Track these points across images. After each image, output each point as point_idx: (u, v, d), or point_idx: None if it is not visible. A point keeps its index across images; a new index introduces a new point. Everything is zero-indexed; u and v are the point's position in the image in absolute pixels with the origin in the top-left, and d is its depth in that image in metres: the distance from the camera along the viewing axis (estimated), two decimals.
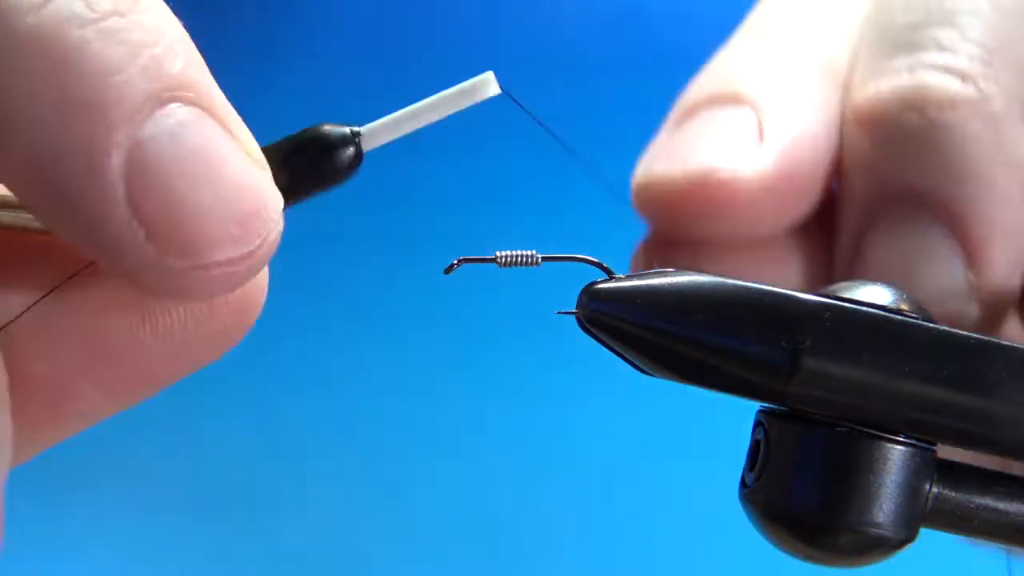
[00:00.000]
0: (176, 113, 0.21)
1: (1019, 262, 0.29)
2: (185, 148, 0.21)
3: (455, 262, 0.27)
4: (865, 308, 0.24)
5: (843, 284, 0.25)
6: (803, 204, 0.30)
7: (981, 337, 0.25)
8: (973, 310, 0.28)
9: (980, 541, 0.26)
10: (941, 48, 0.28)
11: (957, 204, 0.27)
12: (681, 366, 0.25)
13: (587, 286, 0.26)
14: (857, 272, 0.29)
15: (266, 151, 0.23)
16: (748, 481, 0.26)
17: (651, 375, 0.25)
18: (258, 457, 0.77)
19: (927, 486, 0.25)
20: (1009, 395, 0.24)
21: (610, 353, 0.26)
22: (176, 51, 0.21)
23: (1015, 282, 0.29)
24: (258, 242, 0.22)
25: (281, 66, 1.05)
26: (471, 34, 1.02)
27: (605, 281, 0.25)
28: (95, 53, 0.20)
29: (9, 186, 0.22)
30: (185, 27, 0.22)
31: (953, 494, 0.25)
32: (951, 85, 0.27)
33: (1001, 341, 0.25)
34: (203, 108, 0.21)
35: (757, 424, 0.26)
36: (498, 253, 0.26)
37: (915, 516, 0.25)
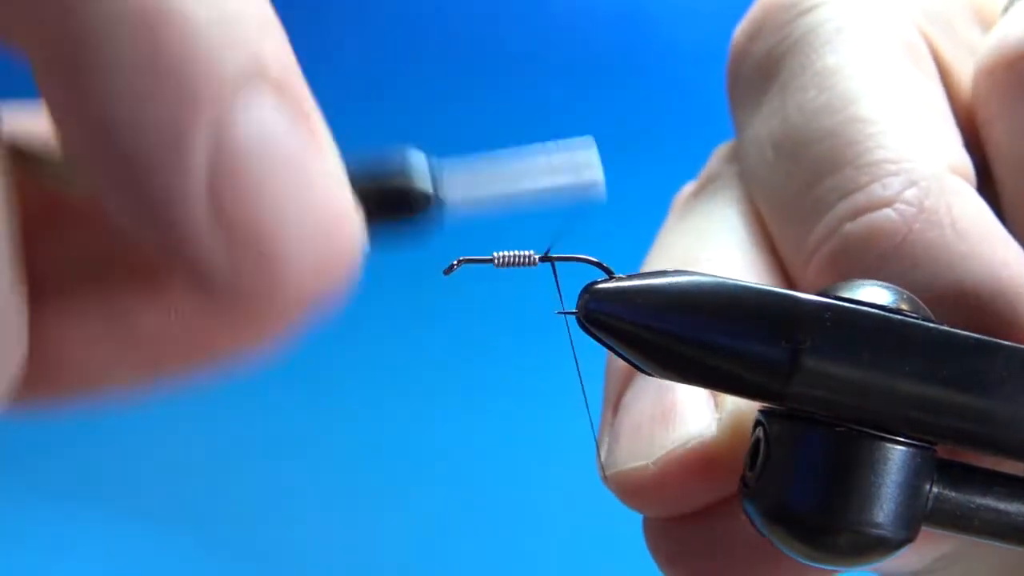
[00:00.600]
0: (269, 109, 0.19)
1: None
2: (276, 151, 0.19)
3: (455, 263, 0.27)
4: (865, 308, 0.24)
5: (843, 284, 0.25)
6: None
7: (981, 337, 0.25)
8: None
9: (980, 541, 0.26)
10: None
11: None
12: (681, 366, 0.25)
13: (587, 286, 0.26)
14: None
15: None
16: (748, 481, 0.26)
17: (651, 375, 0.25)
18: (258, 458, 0.77)
19: (927, 486, 0.25)
20: (1009, 395, 0.24)
21: (610, 353, 0.26)
22: (271, 31, 0.19)
23: None
24: (338, 269, 0.20)
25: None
26: (471, 33, 1.02)
27: (605, 281, 0.25)
28: (193, 14, 0.18)
29: (76, 147, 0.19)
30: None
31: (953, 494, 0.25)
32: None
33: (1001, 341, 0.25)
34: (297, 111, 0.19)
35: (757, 424, 0.26)
36: (497, 254, 0.26)
37: (915, 516, 0.25)
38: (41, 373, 0.21)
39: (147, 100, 0.18)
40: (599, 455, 0.29)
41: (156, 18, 0.18)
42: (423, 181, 0.22)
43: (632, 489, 0.27)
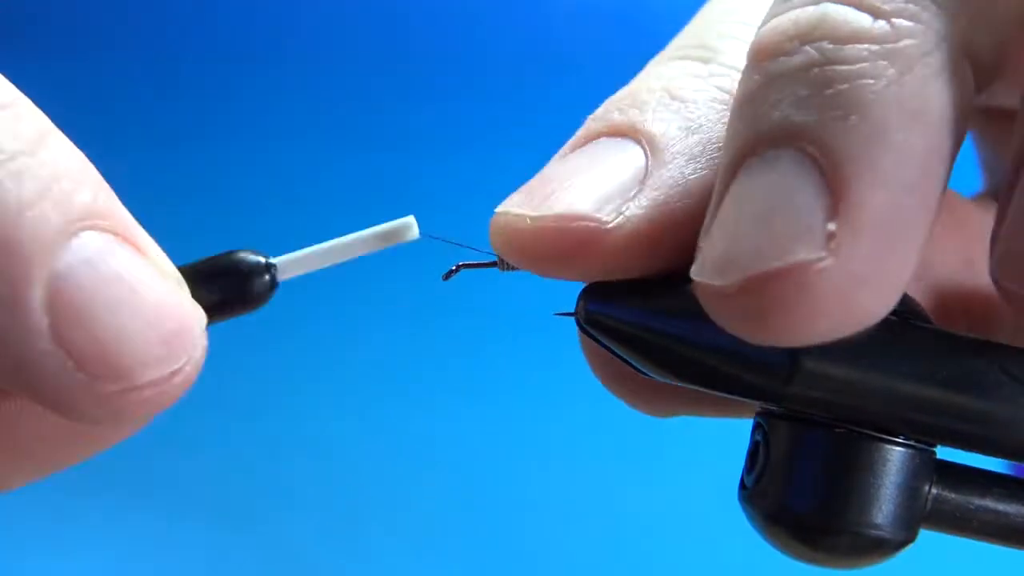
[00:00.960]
0: (90, 241, 0.22)
1: (892, 238, 0.22)
2: (103, 274, 0.22)
3: (454, 268, 0.27)
4: None
5: None
6: (682, 249, 0.25)
7: (980, 338, 0.25)
8: (816, 273, 0.21)
9: (980, 542, 0.26)
10: None
11: (833, 142, 0.22)
12: (680, 367, 0.25)
13: (586, 287, 0.26)
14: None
15: (183, 271, 0.24)
16: (747, 483, 0.26)
17: (650, 376, 0.25)
18: (258, 459, 0.77)
19: (926, 487, 0.25)
20: (1008, 396, 0.24)
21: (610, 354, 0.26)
22: (84, 182, 0.22)
23: (874, 263, 0.22)
24: (185, 359, 0.23)
25: (276, 62, 1.05)
26: (468, 33, 1.02)
27: (604, 282, 0.25)
28: (7, 192, 0.21)
29: None
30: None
31: (952, 495, 0.25)
32: (858, 19, 0.22)
33: (1000, 342, 0.25)
34: (116, 234, 0.22)
35: (756, 426, 0.26)
36: (500, 257, 0.26)
37: (914, 517, 0.25)
38: None
39: None
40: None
41: None
42: (252, 255, 0.25)
43: (500, 231, 0.26)
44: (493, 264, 0.26)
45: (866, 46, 0.22)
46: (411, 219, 0.26)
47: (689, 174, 0.25)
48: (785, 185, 0.21)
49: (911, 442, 0.25)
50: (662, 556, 0.71)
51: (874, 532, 0.24)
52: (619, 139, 0.26)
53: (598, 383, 0.29)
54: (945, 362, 0.24)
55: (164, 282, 0.23)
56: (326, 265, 0.26)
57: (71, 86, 0.92)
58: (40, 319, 0.21)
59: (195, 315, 0.23)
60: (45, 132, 0.22)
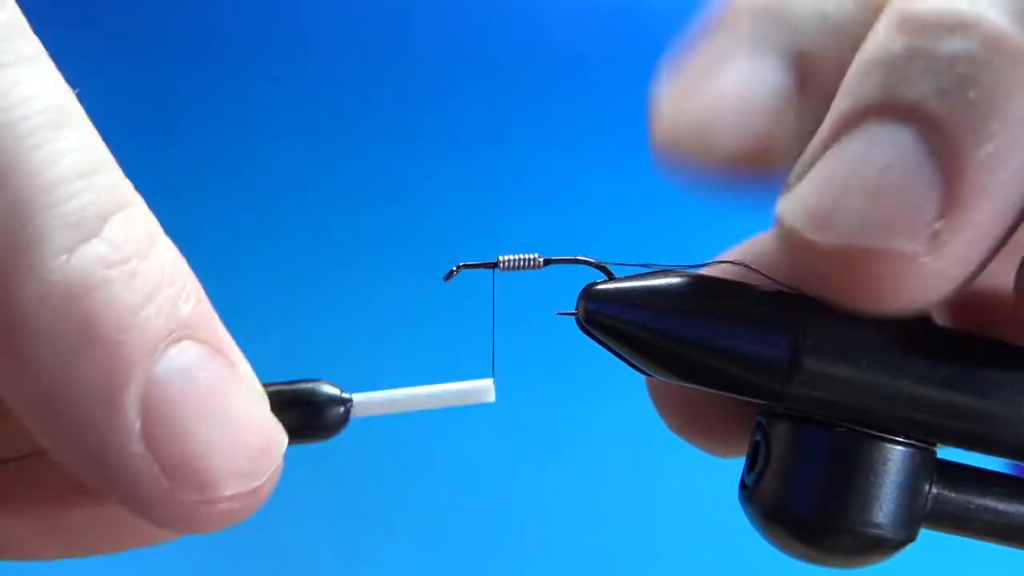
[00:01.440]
0: (188, 351, 0.22)
1: (984, 247, 0.22)
2: (198, 385, 0.22)
3: (455, 268, 0.27)
4: None
5: None
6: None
7: (980, 337, 0.25)
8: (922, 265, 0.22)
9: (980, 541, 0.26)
10: None
11: (964, 145, 0.21)
12: (680, 367, 0.25)
13: (586, 287, 0.26)
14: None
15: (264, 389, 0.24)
16: (748, 482, 0.26)
17: (650, 375, 0.25)
18: None
19: (927, 487, 0.25)
20: (1009, 396, 0.24)
21: (609, 354, 0.26)
22: (188, 292, 0.22)
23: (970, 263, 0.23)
24: (265, 477, 0.23)
25: (276, 62, 1.05)
26: (469, 32, 1.02)
27: (604, 282, 0.25)
28: (117, 294, 0.21)
29: (16, 407, 0.22)
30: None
31: (953, 495, 0.25)
32: (1021, 37, 0.22)
33: (1000, 341, 0.25)
34: (212, 347, 0.22)
35: (756, 425, 0.26)
36: (502, 258, 0.26)
37: (915, 517, 0.25)
38: None
39: (77, 372, 0.21)
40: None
41: (88, 297, 0.21)
42: (332, 389, 0.26)
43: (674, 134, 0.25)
44: (493, 264, 0.26)
45: (1021, 67, 0.22)
46: (489, 382, 0.27)
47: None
48: (906, 167, 0.22)
49: (911, 441, 0.25)
50: (662, 555, 0.71)
51: (874, 531, 0.24)
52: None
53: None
54: (946, 361, 0.24)
55: (252, 398, 0.23)
56: (399, 411, 0.26)
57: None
58: (133, 420, 0.21)
59: (279, 434, 0.24)
60: (155, 235, 0.22)
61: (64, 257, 0.21)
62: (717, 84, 0.25)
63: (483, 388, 0.27)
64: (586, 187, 0.85)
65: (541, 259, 0.26)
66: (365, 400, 0.26)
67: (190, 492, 0.22)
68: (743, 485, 0.26)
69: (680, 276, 0.25)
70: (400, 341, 0.84)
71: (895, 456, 0.24)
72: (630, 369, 0.26)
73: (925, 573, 0.50)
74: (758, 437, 0.25)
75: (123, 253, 0.21)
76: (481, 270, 0.27)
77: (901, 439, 0.24)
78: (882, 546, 0.25)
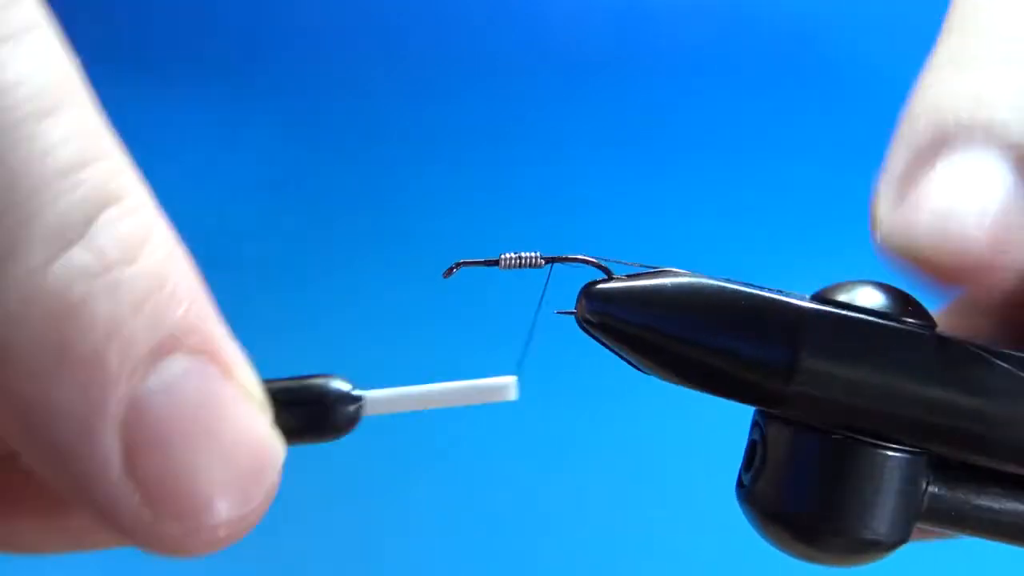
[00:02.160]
0: (175, 365, 0.20)
1: None
2: (185, 404, 0.20)
3: (454, 265, 0.27)
4: (865, 316, 0.24)
5: (841, 284, 0.25)
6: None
7: (979, 343, 0.25)
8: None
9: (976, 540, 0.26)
10: None
11: None
12: (679, 367, 0.25)
13: (586, 286, 0.26)
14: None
15: (267, 385, 0.23)
16: (745, 480, 0.26)
17: (650, 375, 0.25)
18: None
19: (923, 487, 0.25)
20: (1008, 403, 0.24)
21: (609, 353, 0.26)
22: (179, 295, 0.20)
23: None
24: (259, 500, 0.21)
25: (275, 62, 1.05)
26: (470, 32, 1.02)
27: (604, 281, 0.25)
28: (97, 309, 0.19)
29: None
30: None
31: (949, 494, 0.25)
32: None
33: (999, 347, 0.25)
34: (206, 354, 0.21)
35: (754, 424, 0.26)
36: (503, 256, 0.26)
37: (911, 517, 0.25)
38: None
39: (52, 396, 0.19)
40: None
41: (67, 313, 0.19)
42: (343, 384, 0.24)
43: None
44: (493, 262, 0.26)
45: None
46: (512, 380, 0.25)
47: None
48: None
49: (908, 448, 0.25)
50: (662, 554, 0.71)
51: (871, 532, 0.24)
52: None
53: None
54: (945, 368, 0.24)
55: (248, 410, 0.21)
56: (414, 409, 0.24)
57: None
58: (110, 447, 0.20)
59: (275, 451, 0.22)
60: (148, 231, 0.20)
61: (42, 272, 0.19)
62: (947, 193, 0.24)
63: (505, 386, 0.25)
64: (586, 187, 0.85)
65: (541, 258, 0.26)
66: (377, 397, 0.24)
67: (173, 523, 0.20)
68: (740, 483, 0.26)
69: (680, 276, 0.25)
70: (400, 341, 0.84)
71: (891, 463, 0.24)
72: (631, 369, 0.26)
73: (925, 573, 0.50)
74: (755, 436, 0.26)
75: (107, 260, 0.19)
76: (481, 268, 0.27)
77: (897, 446, 0.24)
78: (877, 547, 0.25)
